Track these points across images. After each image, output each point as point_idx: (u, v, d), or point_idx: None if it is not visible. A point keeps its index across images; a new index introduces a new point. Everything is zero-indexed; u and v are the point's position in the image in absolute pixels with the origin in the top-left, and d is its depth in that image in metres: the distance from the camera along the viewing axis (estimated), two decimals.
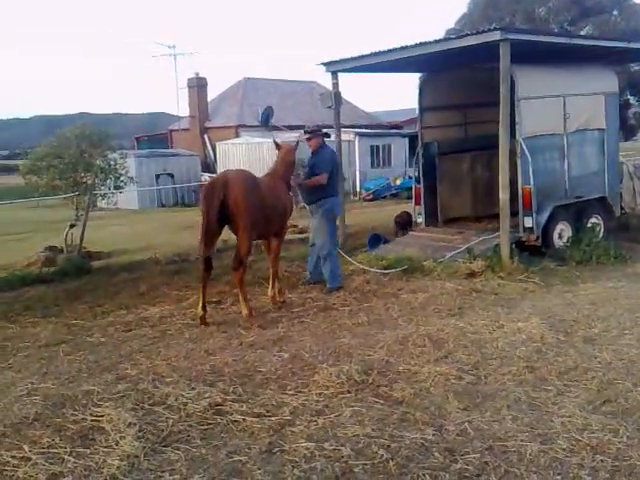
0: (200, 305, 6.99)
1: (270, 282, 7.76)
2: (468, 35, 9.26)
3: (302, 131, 8.88)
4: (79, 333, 6.83)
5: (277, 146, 8.23)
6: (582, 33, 29.63)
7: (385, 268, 9.08)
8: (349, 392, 4.85)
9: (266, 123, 33.33)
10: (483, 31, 8.95)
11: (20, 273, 10.19)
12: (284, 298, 7.85)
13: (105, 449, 4.04)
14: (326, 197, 8.38)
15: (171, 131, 39.34)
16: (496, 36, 8.66)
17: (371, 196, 25.39)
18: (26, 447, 4.08)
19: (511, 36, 8.80)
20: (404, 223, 12.08)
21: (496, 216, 9.52)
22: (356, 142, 28.21)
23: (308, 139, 8.56)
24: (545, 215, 9.64)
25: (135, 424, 4.34)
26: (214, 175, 7.59)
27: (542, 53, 9.91)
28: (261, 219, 7.13)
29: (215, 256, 7.27)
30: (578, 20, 34.19)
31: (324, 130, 8.73)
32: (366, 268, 9.05)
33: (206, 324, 6.92)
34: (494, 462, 3.75)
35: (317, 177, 8.27)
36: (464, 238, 10.25)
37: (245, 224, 6.94)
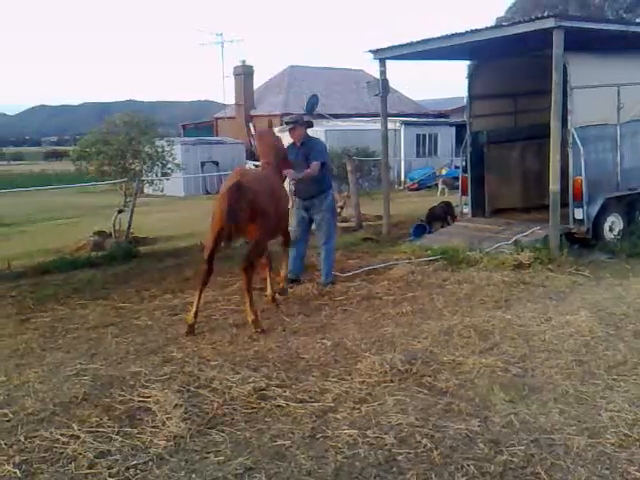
0: (193, 311, 6.26)
1: (282, 279, 7.53)
2: (521, 22, 9.04)
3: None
4: (126, 316, 6.94)
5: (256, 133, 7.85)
6: (639, 20, 28.76)
7: (429, 259, 9.01)
8: (392, 381, 4.82)
9: (311, 111, 33.16)
10: (536, 18, 8.74)
11: (70, 257, 10.44)
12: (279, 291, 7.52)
13: (152, 429, 4.11)
14: (326, 190, 8.02)
15: (217, 119, 39.65)
16: (550, 23, 8.46)
17: (416, 186, 25.20)
18: (75, 426, 4.18)
19: (565, 23, 8.57)
20: (436, 217, 12.02)
21: (545, 207, 9.34)
22: (402, 131, 27.97)
23: (291, 130, 8.08)
24: (596, 207, 9.41)
25: (181, 406, 4.40)
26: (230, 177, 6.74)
27: (596, 41, 9.65)
28: (275, 218, 6.73)
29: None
30: (635, 7, 33.16)
31: (306, 119, 8.38)
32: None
33: (193, 334, 6.16)
34: (540, 454, 3.69)
35: (313, 167, 7.70)
36: (512, 229, 10.10)
37: (265, 227, 6.45)
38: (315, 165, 7.73)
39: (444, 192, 21.05)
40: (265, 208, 6.40)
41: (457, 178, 22.71)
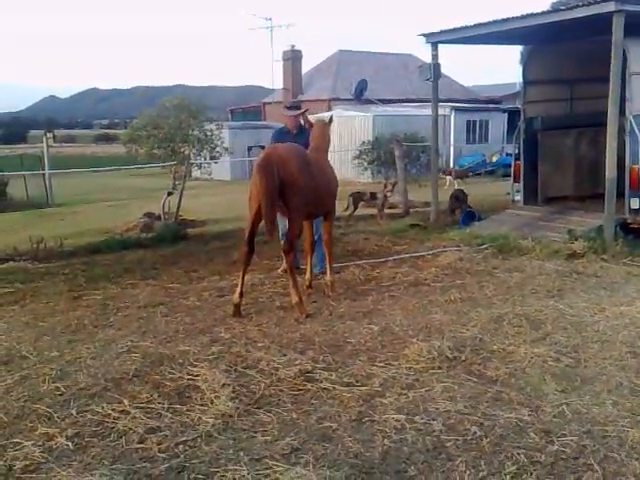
0: (238, 292, 6.28)
1: (327, 267, 7.15)
2: (579, 6, 8.79)
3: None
4: (175, 296, 7.03)
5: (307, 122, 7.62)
6: None
7: (479, 246, 8.88)
8: (440, 368, 4.77)
9: (359, 96, 33.06)
10: (595, 2, 8.50)
11: (120, 237, 10.65)
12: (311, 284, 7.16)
13: (200, 407, 4.16)
14: None
15: (264, 104, 39.70)
16: (610, 7, 8.22)
17: None
18: (126, 401, 4.26)
19: (627, 7, 8.31)
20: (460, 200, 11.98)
21: (600, 196, 9.12)
22: (452, 117, 27.55)
23: (295, 116, 7.83)
24: None
25: (229, 385, 4.44)
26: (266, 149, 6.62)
27: None
28: (312, 198, 6.44)
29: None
30: None
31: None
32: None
33: (239, 314, 6.25)
34: (593, 446, 3.60)
35: None
36: (565, 218, 9.89)
37: (297, 204, 6.24)
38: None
39: (454, 185, 18.89)
40: (295, 183, 6.11)
41: (481, 168, 22.43)
